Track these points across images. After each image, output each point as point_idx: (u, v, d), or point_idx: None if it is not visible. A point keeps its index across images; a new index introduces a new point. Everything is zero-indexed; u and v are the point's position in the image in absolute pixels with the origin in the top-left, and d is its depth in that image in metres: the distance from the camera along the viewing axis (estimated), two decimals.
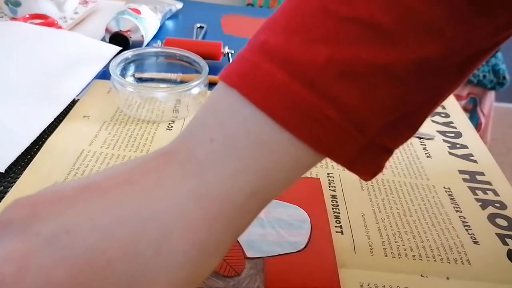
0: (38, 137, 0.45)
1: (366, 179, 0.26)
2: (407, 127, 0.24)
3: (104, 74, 0.58)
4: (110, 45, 0.63)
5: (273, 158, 0.21)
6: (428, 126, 0.56)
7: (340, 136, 0.21)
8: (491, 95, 1.57)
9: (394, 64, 0.20)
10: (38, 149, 0.44)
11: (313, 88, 0.20)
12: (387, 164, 0.26)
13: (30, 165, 0.42)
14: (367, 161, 0.23)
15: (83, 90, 0.54)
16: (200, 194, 0.21)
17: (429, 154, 0.50)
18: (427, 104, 0.24)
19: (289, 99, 0.20)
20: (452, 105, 0.61)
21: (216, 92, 0.23)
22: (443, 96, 0.24)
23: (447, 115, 0.59)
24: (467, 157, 0.51)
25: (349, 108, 0.21)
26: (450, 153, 0.51)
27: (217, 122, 0.22)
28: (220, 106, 0.22)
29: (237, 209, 0.21)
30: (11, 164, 0.42)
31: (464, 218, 0.42)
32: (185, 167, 0.21)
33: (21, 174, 0.41)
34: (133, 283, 0.19)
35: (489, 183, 0.47)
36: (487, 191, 0.46)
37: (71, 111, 0.51)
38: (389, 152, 0.24)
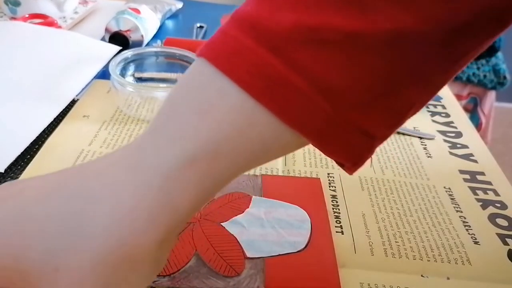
0: (37, 137, 0.45)
1: (349, 170, 0.24)
2: (387, 110, 0.22)
3: (103, 74, 0.57)
4: (110, 44, 0.63)
5: (218, 126, 0.20)
6: (428, 126, 0.56)
7: (305, 103, 0.20)
8: (491, 95, 1.57)
9: (365, 33, 0.20)
10: (38, 149, 0.44)
11: (278, 54, 0.20)
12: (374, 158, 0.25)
13: (29, 165, 0.42)
14: (342, 141, 0.22)
15: (82, 90, 0.54)
16: (130, 165, 0.20)
17: (430, 154, 0.50)
18: (408, 86, 0.22)
19: (252, 63, 0.20)
20: (452, 105, 0.61)
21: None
22: (429, 80, 0.23)
23: (447, 115, 0.59)
24: (467, 157, 0.51)
25: (316, 76, 0.20)
26: (451, 153, 0.51)
27: (175, 92, 0.22)
28: (184, 76, 0.22)
29: (170, 179, 0.20)
30: (10, 164, 0.41)
31: (465, 218, 0.41)
32: (130, 145, 0.21)
33: (20, 174, 0.41)
34: (53, 256, 0.19)
35: (489, 183, 0.47)
36: (488, 191, 0.45)
37: (71, 111, 0.51)
38: (368, 137, 0.22)
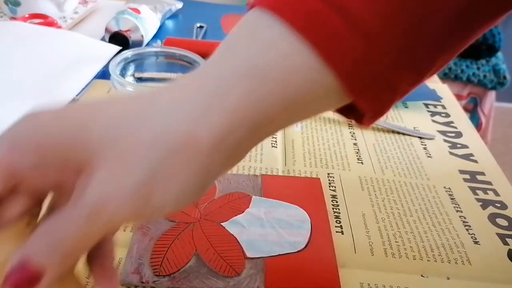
0: None
1: (368, 122, 0.26)
2: (411, 64, 0.24)
3: (104, 74, 0.57)
4: (110, 44, 0.63)
5: (262, 49, 0.23)
6: (428, 126, 0.56)
7: (340, 39, 0.22)
8: (491, 95, 1.57)
9: None
10: None
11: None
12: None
13: None
14: (370, 85, 0.23)
15: (82, 89, 0.54)
16: (192, 75, 0.24)
17: (430, 154, 0.50)
18: (432, 43, 0.24)
19: (300, 6, 0.22)
20: (452, 105, 0.61)
21: None
22: (446, 46, 0.25)
23: (447, 115, 0.59)
24: (467, 157, 0.51)
25: (352, 15, 0.22)
26: (451, 153, 0.51)
27: (230, 32, 0.25)
28: (239, 24, 0.25)
29: (225, 85, 0.22)
30: None
31: (465, 218, 0.41)
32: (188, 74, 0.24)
33: None
34: (115, 128, 0.21)
35: (489, 183, 0.47)
36: (488, 191, 0.45)
37: None
38: (391, 89, 0.25)
